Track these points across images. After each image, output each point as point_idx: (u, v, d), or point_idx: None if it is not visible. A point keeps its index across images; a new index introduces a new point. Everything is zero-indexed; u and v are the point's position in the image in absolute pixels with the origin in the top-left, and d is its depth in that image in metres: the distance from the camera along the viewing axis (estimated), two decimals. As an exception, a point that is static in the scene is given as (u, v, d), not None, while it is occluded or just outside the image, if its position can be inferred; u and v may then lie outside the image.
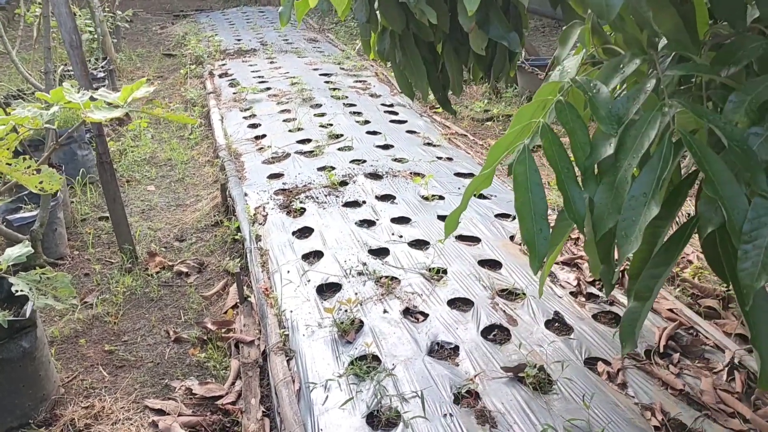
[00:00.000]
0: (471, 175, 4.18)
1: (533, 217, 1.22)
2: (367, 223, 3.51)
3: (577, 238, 3.33)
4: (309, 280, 2.97)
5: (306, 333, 2.58)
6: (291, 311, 2.74)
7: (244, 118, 5.51)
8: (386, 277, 2.93)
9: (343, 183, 4.03)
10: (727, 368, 2.30)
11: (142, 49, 9.10)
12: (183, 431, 2.22)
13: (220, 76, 7.08)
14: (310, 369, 2.37)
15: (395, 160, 4.44)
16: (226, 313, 2.95)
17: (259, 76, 6.93)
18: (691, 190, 1.26)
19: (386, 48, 2.04)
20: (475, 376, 2.28)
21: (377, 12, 1.96)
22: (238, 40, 9.19)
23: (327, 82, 6.64)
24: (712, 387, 2.22)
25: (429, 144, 4.83)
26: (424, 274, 2.97)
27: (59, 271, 2.31)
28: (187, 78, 7.26)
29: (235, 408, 2.34)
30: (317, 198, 3.83)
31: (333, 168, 4.25)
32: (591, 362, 2.38)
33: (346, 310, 2.68)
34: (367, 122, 5.32)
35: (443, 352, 2.46)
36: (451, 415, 2.10)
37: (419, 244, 3.27)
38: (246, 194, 3.95)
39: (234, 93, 6.27)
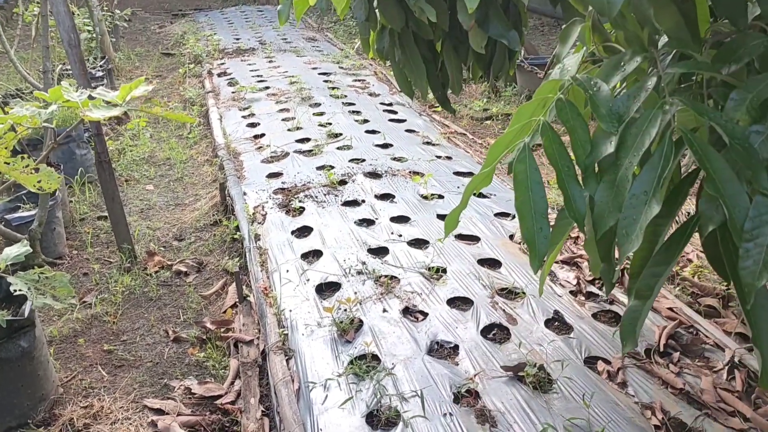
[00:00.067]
0: (470, 174, 4.17)
1: (533, 215, 1.21)
2: (367, 223, 3.51)
3: (577, 237, 3.33)
4: (308, 280, 2.96)
5: (305, 332, 2.58)
6: (290, 310, 2.73)
7: (243, 117, 5.51)
8: (386, 276, 2.93)
9: (342, 182, 4.03)
10: (727, 367, 2.30)
11: (140, 48, 9.08)
12: (182, 431, 2.21)
13: (219, 75, 7.08)
14: (310, 368, 2.37)
15: (394, 159, 4.44)
16: (225, 312, 2.94)
17: (258, 75, 6.92)
18: (692, 188, 1.26)
19: (385, 46, 2.04)
20: (474, 376, 2.28)
21: (376, 10, 1.96)
22: (237, 39, 9.19)
23: (326, 81, 6.64)
24: (712, 386, 2.22)
25: (428, 143, 4.83)
26: (423, 273, 2.97)
27: (58, 271, 2.31)
28: (185, 77, 7.25)
29: (234, 407, 2.33)
30: (316, 197, 3.83)
31: (332, 167, 4.24)
32: (591, 361, 2.38)
33: (345, 310, 2.68)
34: (366, 121, 5.31)
35: (443, 351, 2.45)
36: (450, 414, 2.10)
37: (419, 243, 3.27)
38: (245, 193, 3.94)
39: (233, 92, 6.26)
